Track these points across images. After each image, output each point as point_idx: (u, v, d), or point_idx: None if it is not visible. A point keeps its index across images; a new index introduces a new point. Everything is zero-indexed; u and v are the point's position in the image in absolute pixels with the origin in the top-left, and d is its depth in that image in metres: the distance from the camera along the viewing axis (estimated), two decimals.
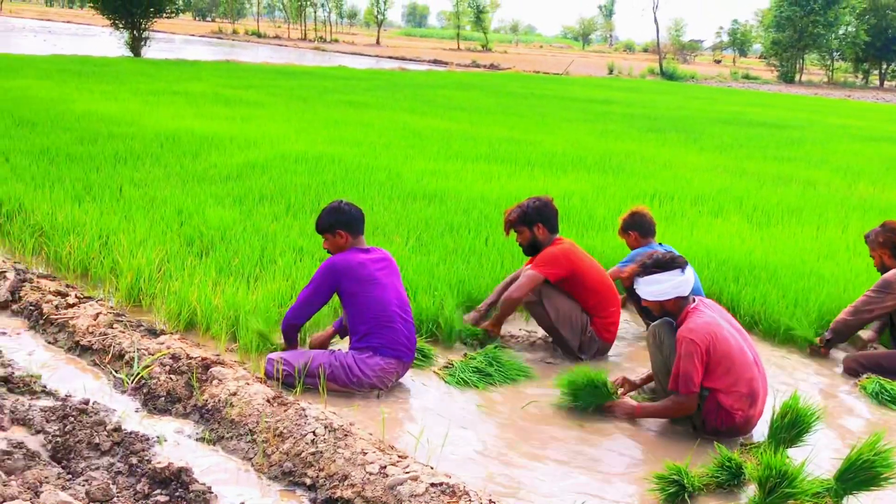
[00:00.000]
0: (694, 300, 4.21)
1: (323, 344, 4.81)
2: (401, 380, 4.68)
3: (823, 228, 8.52)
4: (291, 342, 4.61)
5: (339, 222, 4.48)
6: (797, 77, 62.06)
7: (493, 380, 4.75)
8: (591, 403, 4.30)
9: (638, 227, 5.87)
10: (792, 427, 3.95)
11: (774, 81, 59.00)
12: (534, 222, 5.24)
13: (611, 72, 54.82)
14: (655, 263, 4.16)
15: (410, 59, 54.97)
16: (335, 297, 4.93)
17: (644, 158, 12.91)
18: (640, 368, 5.10)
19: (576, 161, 11.96)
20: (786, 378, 5.19)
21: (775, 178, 11.97)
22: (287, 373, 4.37)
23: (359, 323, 4.40)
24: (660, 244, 5.83)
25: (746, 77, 61.25)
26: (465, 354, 5.02)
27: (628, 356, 5.46)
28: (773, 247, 7.45)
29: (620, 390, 4.48)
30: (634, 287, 4.34)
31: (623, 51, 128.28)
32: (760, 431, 4.22)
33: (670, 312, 4.22)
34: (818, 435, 4.17)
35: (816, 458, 3.95)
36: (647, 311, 5.20)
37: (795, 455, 3.88)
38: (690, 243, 7.21)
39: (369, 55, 58.92)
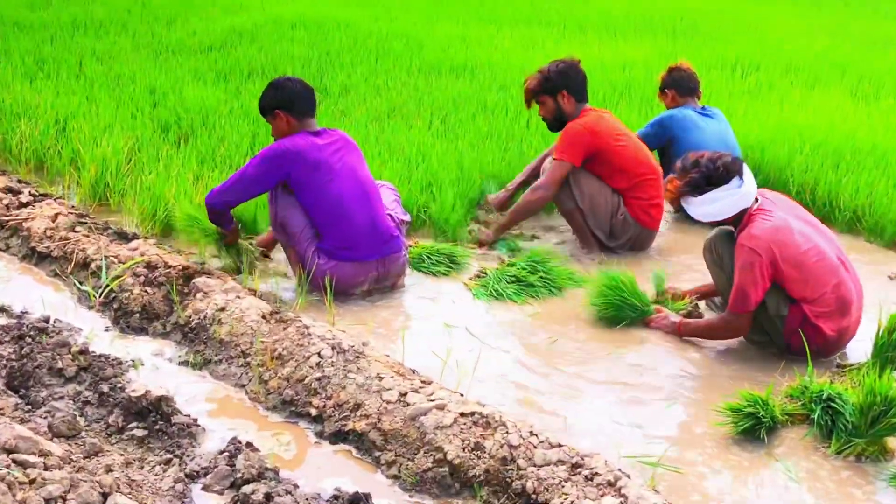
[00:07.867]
0: (757, 199, 4.17)
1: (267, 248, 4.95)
2: (424, 293, 4.74)
3: None
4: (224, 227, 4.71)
5: (278, 101, 4.58)
6: None
7: (535, 291, 4.79)
8: (625, 319, 4.39)
9: (675, 84, 6.12)
10: None
11: None
12: (557, 90, 5.29)
13: None
14: (706, 179, 4.09)
15: None
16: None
17: (723, 17, 12.69)
18: (696, 267, 5.01)
19: (639, 22, 11.87)
20: None
21: (887, 41, 11.61)
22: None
23: (314, 217, 4.55)
24: (703, 107, 6.09)
25: None
26: (503, 261, 5.10)
27: (674, 249, 5.43)
28: (883, 126, 7.26)
29: (655, 307, 4.47)
30: (684, 207, 4.28)
31: None
32: (863, 351, 4.20)
33: (730, 222, 4.22)
34: None
35: None
36: None
37: None
38: (779, 121, 7.11)
39: None
